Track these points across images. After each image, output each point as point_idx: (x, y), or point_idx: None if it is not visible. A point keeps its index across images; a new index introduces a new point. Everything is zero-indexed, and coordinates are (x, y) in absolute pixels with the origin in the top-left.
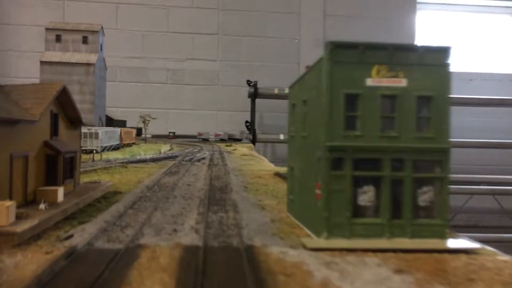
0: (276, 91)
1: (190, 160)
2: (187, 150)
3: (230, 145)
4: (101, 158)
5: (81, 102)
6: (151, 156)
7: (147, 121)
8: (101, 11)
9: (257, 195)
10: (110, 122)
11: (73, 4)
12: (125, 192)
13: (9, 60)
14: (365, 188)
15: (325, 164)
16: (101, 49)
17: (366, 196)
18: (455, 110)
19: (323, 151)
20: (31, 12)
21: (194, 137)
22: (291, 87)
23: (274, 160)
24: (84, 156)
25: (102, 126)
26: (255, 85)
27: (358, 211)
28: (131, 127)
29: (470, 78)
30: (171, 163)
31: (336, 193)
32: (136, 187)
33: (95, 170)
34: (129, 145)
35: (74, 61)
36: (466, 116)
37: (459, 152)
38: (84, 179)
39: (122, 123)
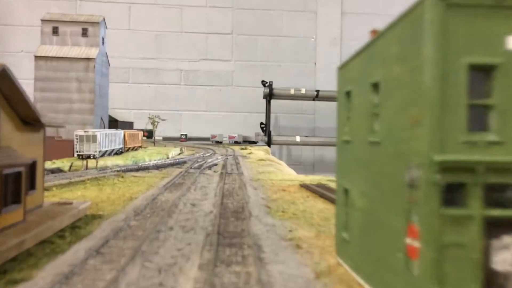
0: (292, 91)
1: (199, 167)
2: (197, 155)
3: (245, 148)
4: (96, 166)
5: (80, 101)
6: (156, 162)
7: (156, 123)
8: (113, 11)
9: (285, 221)
10: (114, 123)
11: (86, 4)
12: (106, 217)
13: (21, 61)
14: (507, 239)
15: (432, 194)
16: (103, 43)
17: (509, 255)
18: None
19: (426, 170)
20: (43, 13)
21: (207, 139)
22: (343, 67)
23: (290, 163)
24: (77, 163)
25: (104, 128)
26: (270, 86)
27: (493, 281)
28: (139, 129)
29: None
30: (177, 171)
31: (453, 249)
32: (124, 208)
33: (83, 181)
34: (134, 149)
35: (72, 56)
36: None
37: None
38: (64, 194)
39: (128, 125)
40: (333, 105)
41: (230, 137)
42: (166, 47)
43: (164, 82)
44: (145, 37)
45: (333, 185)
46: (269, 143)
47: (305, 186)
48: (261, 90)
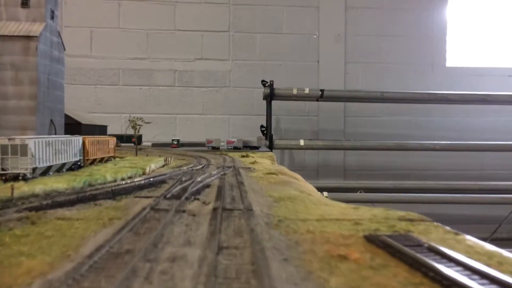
0: (295, 91)
1: (181, 193)
2: (185, 168)
3: (247, 156)
4: (12, 194)
5: (17, 96)
6: (115, 185)
7: (138, 126)
8: (102, 8)
9: None
10: (76, 128)
11: (70, 1)
12: None
13: None
14: None
15: None
16: (53, 17)
17: None
18: (492, 109)
19: None
20: None
21: (203, 144)
22: None
23: (292, 168)
24: None
25: (55, 134)
26: (271, 85)
27: None
28: (111, 135)
29: (509, 74)
30: (141, 203)
31: None
32: None
33: None
34: (103, 161)
35: (5, 33)
36: (505, 115)
37: (501, 157)
38: None
39: (99, 130)
40: (338, 105)
41: (228, 142)
42: (158, 47)
43: (157, 84)
44: (136, 36)
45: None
46: (271, 148)
47: (379, 243)
48: (261, 91)
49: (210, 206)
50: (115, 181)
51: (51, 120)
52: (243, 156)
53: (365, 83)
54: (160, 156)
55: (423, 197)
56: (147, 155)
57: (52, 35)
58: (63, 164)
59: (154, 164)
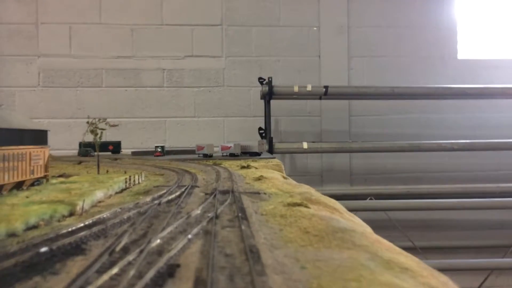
0: (295, 88)
1: None
2: (149, 199)
3: (248, 166)
4: None
5: None
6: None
7: (99, 131)
8: (82, 3)
9: None
10: None
11: None
12: None
13: None
14: None
15: None
16: None
17: None
18: (508, 104)
19: None
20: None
21: (193, 151)
22: None
23: (295, 174)
24: None
25: None
26: (269, 83)
27: None
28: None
29: None
30: None
31: None
32: None
33: None
34: (20, 186)
35: None
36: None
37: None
38: None
39: (30, 136)
40: (343, 104)
41: (223, 148)
42: (144, 44)
43: (144, 85)
44: (119, 32)
45: None
46: (271, 152)
47: None
48: (258, 90)
49: None
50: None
51: None
52: (243, 167)
53: (371, 79)
54: (125, 172)
55: (441, 203)
56: (107, 171)
57: None
58: None
59: (102, 192)
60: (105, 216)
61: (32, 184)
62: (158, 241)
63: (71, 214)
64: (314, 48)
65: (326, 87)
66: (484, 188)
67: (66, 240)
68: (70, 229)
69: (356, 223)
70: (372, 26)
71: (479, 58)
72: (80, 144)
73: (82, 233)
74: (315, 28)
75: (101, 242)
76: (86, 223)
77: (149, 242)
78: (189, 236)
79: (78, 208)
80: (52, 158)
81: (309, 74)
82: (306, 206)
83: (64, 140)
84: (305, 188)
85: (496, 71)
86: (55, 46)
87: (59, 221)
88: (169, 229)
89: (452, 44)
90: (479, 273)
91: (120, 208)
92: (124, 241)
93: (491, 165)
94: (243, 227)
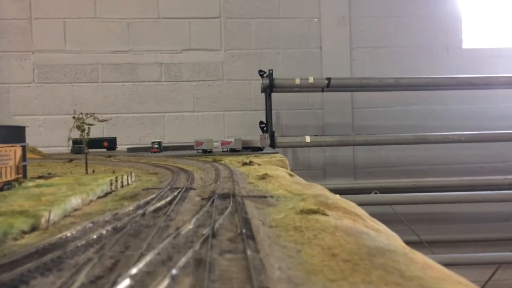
0: (297, 81)
1: None
2: (132, 208)
3: (250, 163)
4: None
5: None
6: None
7: (86, 127)
8: None
9: None
10: None
11: None
12: None
13: None
14: None
15: None
16: None
17: None
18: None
19: None
20: None
21: (192, 147)
22: None
23: (297, 168)
24: None
25: None
26: (270, 75)
27: None
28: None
29: None
30: None
31: None
32: None
33: None
34: None
35: None
36: None
37: None
38: None
39: (5, 133)
40: (345, 96)
41: (223, 143)
42: (141, 37)
43: (141, 79)
44: (115, 26)
45: None
46: (272, 146)
47: None
48: (258, 83)
49: None
50: None
51: None
52: (244, 164)
53: (374, 70)
54: (114, 172)
55: (447, 196)
56: (93, 170)
57: None
58: None
59: (80, 197)
60: (68, 235)
61: (1, 189)
62: (127, 282)
63: (34, 229)
64: (315, 40)
65: (328, 79)
66: (491, 180)
67: (1, 277)
68: (12, 259)
69: (389, 235)
70: (374, 16)
71: (484, 47)
72: (74, 141)
73: (28, 265)
74: (315, 19)
75: (49, 280)
76: (41, 246)
77: (114, 283)
78: (174, 271)
79: (43, 220)
80: (43, 156)
81: (311, 67)
82: (324, 214)
83: (60, 137)
84: (318, 189)
85: (501, 60)
86: (50, 41)
87: (15, 239)
88: (148, 258)
89: (457, 33)
90: (487, 267)
91: (92, 223)
92: (80, 281)
93: (498, 156)
94: (248, 252)
